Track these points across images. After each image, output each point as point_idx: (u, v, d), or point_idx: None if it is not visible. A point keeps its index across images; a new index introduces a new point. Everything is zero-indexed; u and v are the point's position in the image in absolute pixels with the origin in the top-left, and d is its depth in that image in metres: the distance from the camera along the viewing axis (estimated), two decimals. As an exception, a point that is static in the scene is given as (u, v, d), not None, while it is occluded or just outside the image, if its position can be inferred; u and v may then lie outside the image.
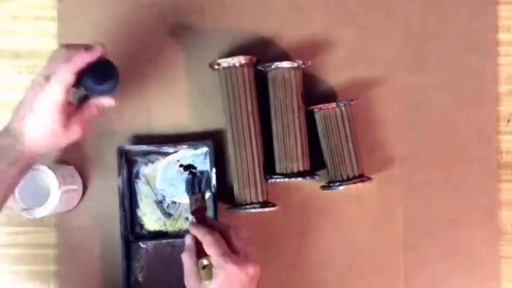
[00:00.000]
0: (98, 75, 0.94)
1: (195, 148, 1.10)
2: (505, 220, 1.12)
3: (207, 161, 1.09)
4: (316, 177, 1.08)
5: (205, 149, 1.09)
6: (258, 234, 1.11)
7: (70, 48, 0.93)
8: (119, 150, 1.08)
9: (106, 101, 0.97)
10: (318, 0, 1.12)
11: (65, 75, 0.91)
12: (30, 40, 1.13)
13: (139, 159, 1.10)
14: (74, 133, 0.94)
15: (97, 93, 0.96)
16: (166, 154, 1.10)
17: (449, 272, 1.11)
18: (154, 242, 1.08)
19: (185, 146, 1.09)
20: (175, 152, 1.10)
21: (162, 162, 1.10)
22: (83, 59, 0.92)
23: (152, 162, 1.10)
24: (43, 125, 0.91)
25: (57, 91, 0.90)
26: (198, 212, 1.02)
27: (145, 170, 1.11)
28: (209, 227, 0.97)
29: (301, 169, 1.06)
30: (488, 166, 1.12)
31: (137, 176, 1.10)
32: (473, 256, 1.12)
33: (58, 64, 0.91)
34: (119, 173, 1.07)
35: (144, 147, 1.08)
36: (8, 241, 1.11)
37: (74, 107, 0.94)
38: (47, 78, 0.91)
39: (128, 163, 1.10)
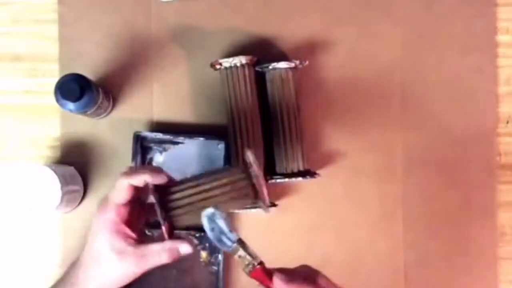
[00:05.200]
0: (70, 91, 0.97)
1: (211, 142, 1.10)
2: (504, 221, 1.13)
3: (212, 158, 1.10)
4: (317, 176, 1.08)
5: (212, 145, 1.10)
6: (258, 234, 1.11)
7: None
8: (136, 136, 1.08)
9: (183, 248, 0.86)
10: (318, 0, 1.13)
11: (119, 190, 0.85)
12: (31, 43, 1.13)
13: (154, 146, 1.11)
14: (127, 271, 0.85)
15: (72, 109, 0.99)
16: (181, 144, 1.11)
17: (449, 272, 1.11)
18: (159, 230, 1.07)
19: (202, 138, 1.09)
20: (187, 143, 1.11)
21: (170, 152, 1.11)
22: (143, 175, 0.85)
23: (166, 151, 1.11)
24: (100, 248, 0.85)
25: (112, 210, 0.85)
26: (256, 274, 0.80)
27: (158, 158, 1.11)
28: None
29: (301, 169, 1.07)
30: (487, 167, 1.12)
31: (150, 163, 1.11)
32: (472, 257, 1.12)
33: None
34: (133, 158, 1.08)
35: (160, 135, 1.09)
36: (10, 242, 1.11)
37: (135, 239, 0.87)
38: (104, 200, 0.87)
39: (142, 150, 1.10)
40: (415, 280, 1.11)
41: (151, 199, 0.86)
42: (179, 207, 0.86)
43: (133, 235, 0.86)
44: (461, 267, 1.12)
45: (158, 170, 0.86)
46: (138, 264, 0.85)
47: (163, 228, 0.85)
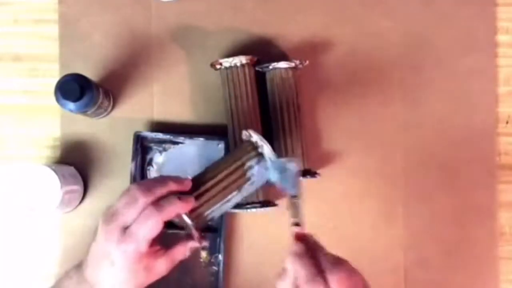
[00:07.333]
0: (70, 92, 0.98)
1: (211, 143, 1.10)
2: (504, 221, 1.12)
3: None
4: (317, 176, 1.08)
5: (213, 144, 1.10)
6: (258, 233, 1.11)
7: (153, 189, 0.84)
8: (136, 136, 1.08)
9: (202, 244, 0.90)
10: (318, 0, 1.13)
11: (152, 228, 0.82)
12: (31, 43, 1.13)
13: (154, 146, 1.11)
14: (158, 274, 0.87)
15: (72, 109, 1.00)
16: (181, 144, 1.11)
17: (449, 272, 1.11)
18: None
19: (202, 138, 1.09)
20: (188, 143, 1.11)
21: (170, 152, 1.11)
22: (175, 210, 0.84)
23: (166, 151, 1.11)
24: (124, 277, 0.84)
25: (142, 245, 0.82)
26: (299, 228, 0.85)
27: (158, 158, 1.11)
28: (312, 258, 0.81)
29: (301, 168, 1.07)
30: (487, 167, 1.12)
31: (150, 163, 1.11)
32: (472, 256, 1.12)
33: (140, 212, 0.82)
34: (133, 158, 1.08)
35: (160, 135, 1.09)
36: (9, 242, 1.11)
37: (161, 248, 0.87)
38: (126, 228, 0.82)
39: (142, 150, 1.10)
40: (415, 280, 1.11)
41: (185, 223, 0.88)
42: (207, 210, 0.90)
43: (158, 247, 0.88)
44: (461, 267, 1.12)
45: (186, 199, 0.86)
46: (169, 266, 0.89)
47: (198, 245, 0.90)
